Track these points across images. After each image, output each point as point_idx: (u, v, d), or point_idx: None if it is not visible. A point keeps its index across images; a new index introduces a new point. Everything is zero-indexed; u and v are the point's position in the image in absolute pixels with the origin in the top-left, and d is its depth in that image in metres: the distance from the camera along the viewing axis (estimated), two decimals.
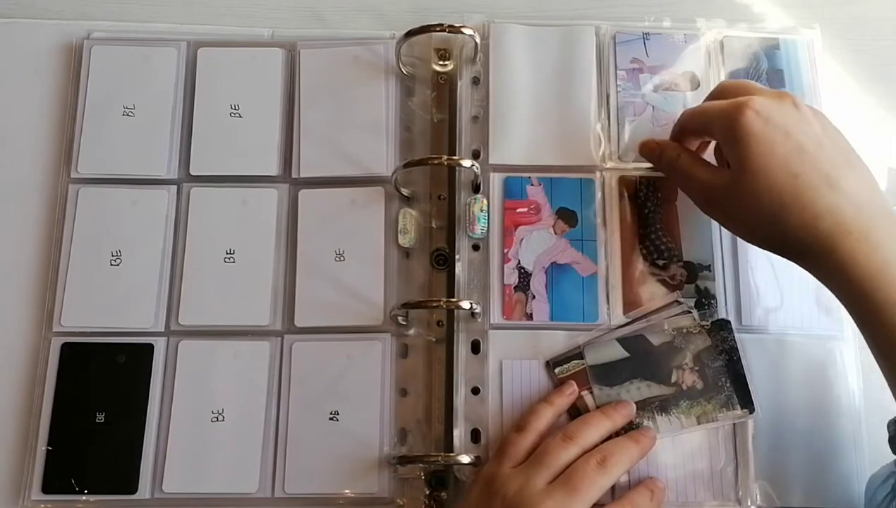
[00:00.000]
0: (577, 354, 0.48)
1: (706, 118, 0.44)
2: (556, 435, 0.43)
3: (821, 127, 0.41)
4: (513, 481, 0.41)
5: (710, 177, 0.44)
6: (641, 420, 0.46)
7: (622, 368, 0.47)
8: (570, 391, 0.46)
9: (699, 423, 0.46)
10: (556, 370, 0.47)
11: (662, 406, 0.46)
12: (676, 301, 0.49)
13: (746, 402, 0.46)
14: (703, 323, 0.48)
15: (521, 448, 0.43)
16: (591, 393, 0.47)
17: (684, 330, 0.47)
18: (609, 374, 0.47)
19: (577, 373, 0.47)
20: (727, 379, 0.47)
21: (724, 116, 0.41)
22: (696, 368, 0.47)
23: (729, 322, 0.48)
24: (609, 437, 0.44)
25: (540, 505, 0.40)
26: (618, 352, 0.47)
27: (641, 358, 0.47)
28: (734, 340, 0.47)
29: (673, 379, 0.47)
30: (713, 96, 0.46)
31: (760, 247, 0.43)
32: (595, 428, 0.44)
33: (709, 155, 0.48)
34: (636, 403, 0.46)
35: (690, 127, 0.46)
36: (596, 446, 0.43)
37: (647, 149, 0.49)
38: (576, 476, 0.41)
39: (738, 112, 0.40)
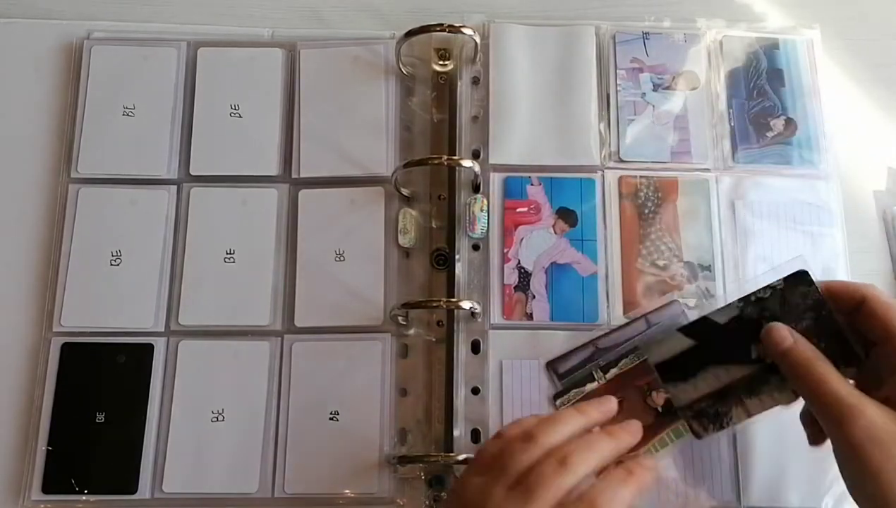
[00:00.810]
0: (576, 383, 0.47)
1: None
2: (518, 435, 0.38)
3: None
4: (473, 487, 0.37)
5: (873, 416, 0.36)
6: (728, 409, 0.41)
7: (691, 358, 0.42)
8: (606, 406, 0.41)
9: (797, 397, 0.40)
10: (557, 402, 0.47)
11: (748, 387, 0.41)
12: (676, 301, 0.49)
13: (850, 358, 0.39)
14: (774, 284, 0.41)
15: (488, 453, 0.39)
16: (666, 392, 0.44)
17: (752, 298, 0.41)
18: (679, 369, 0.42)
19: (581, 401, 0.46)
20: (821, 338, 0.39)
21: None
22: None
23: (807, 273, 0.40)
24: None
25: None
26: (682, 343, 0.43)
27: (710, 342, 0.41)
28: (818, 291, 0.40)
29: (754, 355, 0.41)
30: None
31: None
32: (563, 426, 0.39)
33: None
34: (718, 391, 0.41)
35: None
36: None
37: (775, 336, 0.40)
38: (532, 480, 0.36)
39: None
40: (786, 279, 0.40)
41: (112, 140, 0.51)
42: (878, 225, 0.52)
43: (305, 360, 0.48)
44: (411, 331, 0.49)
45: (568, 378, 0.47)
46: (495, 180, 0.51)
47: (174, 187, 0.51)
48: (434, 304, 0.48)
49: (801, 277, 0.40)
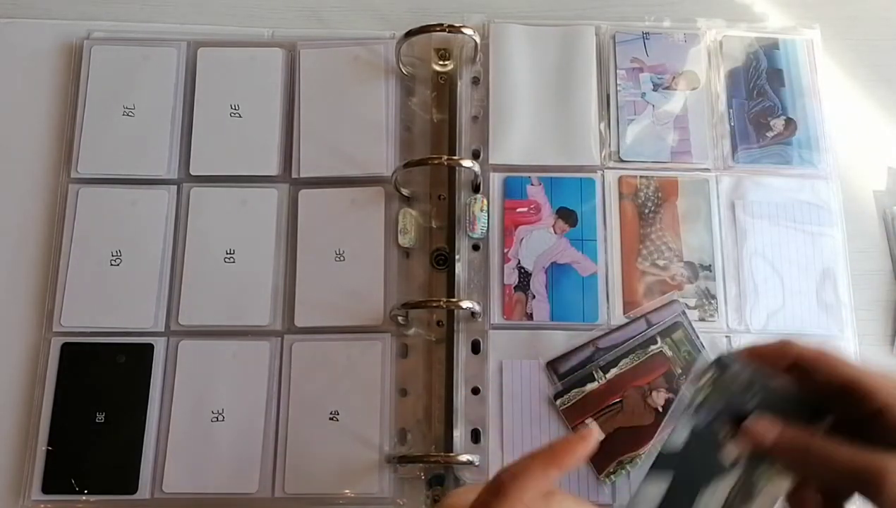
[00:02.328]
0: (576, 383, 0.47)
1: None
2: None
3: None
4: None
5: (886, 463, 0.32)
6: None
7: (675, 499, 0.36)
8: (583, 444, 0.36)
9: (792, 479, 0.36)
10: (557, 402, 0.47)
11: (744, 495, 0.36)
12: (676, 300, 0.49)
13: (818, 412, 0.36)
14: (700, 384, 0.36)
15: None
16: None
17: (692, 409, 0.36)
18: None
19: (580, 401, 0.47)
20: (777, 409, 0.36)
21: None
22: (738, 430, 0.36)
23: (719, 358, 0.36)
24: None
25: None
26: (657, 489, 0.36)
27: (681, 474, 0.36)
28: (745, 367, 0.36)
29: (727, 463, 0.36)
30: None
31: None
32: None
33: None
34: None
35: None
36: None
37: (755, 431, 0.35)
38: None
39: None
40: (709, 374, 0.36)
41: (112, 140, 0.51)
42: (878, 225, 0.52)
43: (305, 360, 0.48)
44: (411, 331, 0.49)
45: (568, 378, 0.47)
46: (495, 180, 0.51)
47: (174, 187, 0.51)
48: (434, 304, 0.48)
49: (721, 363, 0.36)
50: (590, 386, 0.47)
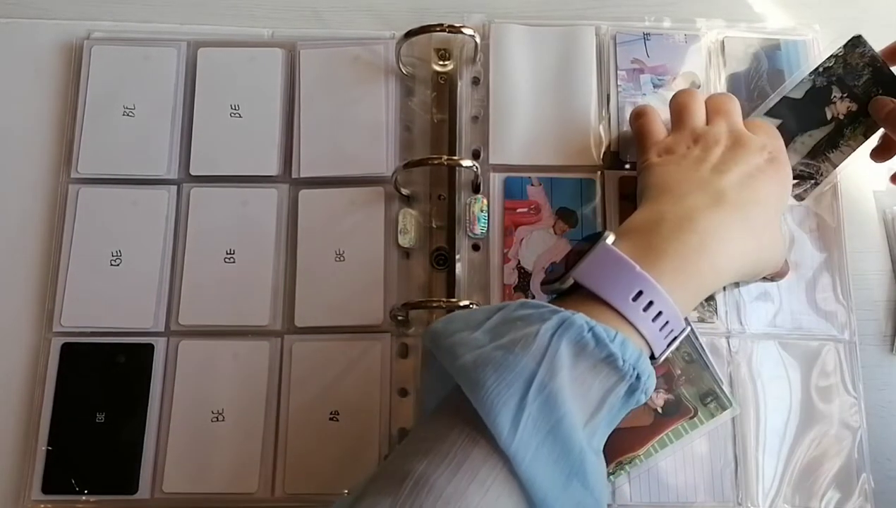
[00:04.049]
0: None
1: None
2: (676, 96, 0.47)
3: None
4: (680, 137, 0.44)
5: None
6: (818, 166, 0.49)
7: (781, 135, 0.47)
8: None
9: (866, 138, 0.48)
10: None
11: (830, 143, 0.49)
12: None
13: None
14: (835, 52, 0.49)
15: (659, 124, 0.46)
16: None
17: (820, 69, 0.49)
18: None
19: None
20: (879, 86, 0.48)
21: None
22: (845, 95, 0.48)
23: (859, 36, 0.48)
24: None
25: (721, 132, 0.43)
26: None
27: (792, 117, 0.49)
28: (871, 49, 0.48)
29: (829, 116, 0.49)
30: None
31: None
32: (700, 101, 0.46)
33: None
34: (807, 155, 0.49)
35: None
36: None
37: (880, 106, 0.48)
38: (720, 106, 0.45)
39: None
40: (844, 46, 0.48)
41: (112, 140, 0.51)
42: (878, 225, 0.52)
43: (305, 360, 0.48)
44: (411, 331, 0.49)
45: None
46: (495, 180, 0.51)
47: (174, 187, 0.51)
48: (434, 304, 0.48)
49: (856, 41, 0.48)
50: None
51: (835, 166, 0.49)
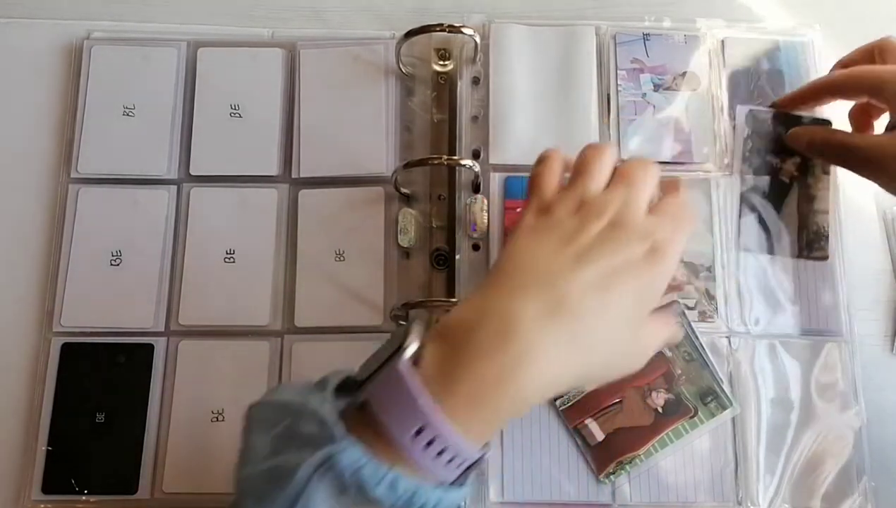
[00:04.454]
0: None
1: (881, 80, 0.45)
2: (585, 150, 0.40)
3: None
4: (568, 197, 0.37)
5: (880, 141, 0.45)
6: (815, 226, 0.50)
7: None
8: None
9: (827, 172, 0.51)
10: (557, 402, 0.47)
11: (806, 199, 0.50)
12: (676, 301, 0.49)
13: None
14: (744, 136, 0.51)
15: (555, 173, 0.40)
16: None
17: (746, 155, 0.51)
18: None
19: (580, 401, 0.47)
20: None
21: None
22: (783, 156, 0.51)
23: (749, 109, 0.51)
24: None
25: (610, 205, 0.36)
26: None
27: (765, 203, 0.50)
28: (763, 109, 0.51)
29: (788, 181, 0.50)
30: (870, 53, 0.47)
31: None
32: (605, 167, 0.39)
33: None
34: (799, 223, 0.50)
35: (851, 86, 0.47)
36: None
37: (794, 137, 0.50)
38: (628, 174, 0.38)
39: None
40: (747, 125, 0.51)
41: (112, 140, 0.51)
42: (878, 225, 0.52)
43: (305, 360, 0.48)
44: None
45: None
46: (495, 180, 0.51)
47: (174, 187, 0.51)
48: (434, 304, 0.48)
49: (752, 114, 0.51)
50: (589, 386, 0.47)
51: (827, 211, 0.50)
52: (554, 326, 0.33)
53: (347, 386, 0.35)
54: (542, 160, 0.40)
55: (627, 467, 0.46)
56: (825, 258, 0.49)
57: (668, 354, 0.48)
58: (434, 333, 0.34)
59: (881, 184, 0.45)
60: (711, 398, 0.47)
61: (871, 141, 0.46)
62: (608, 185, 0.38)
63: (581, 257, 0.35)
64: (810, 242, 0.49)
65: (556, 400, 0.47)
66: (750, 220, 0.50)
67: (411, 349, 0.33)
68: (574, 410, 0.47)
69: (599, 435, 0.46)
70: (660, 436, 0.46)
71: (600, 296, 0.34)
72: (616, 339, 0.35)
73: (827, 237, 0.49)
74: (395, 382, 0.32)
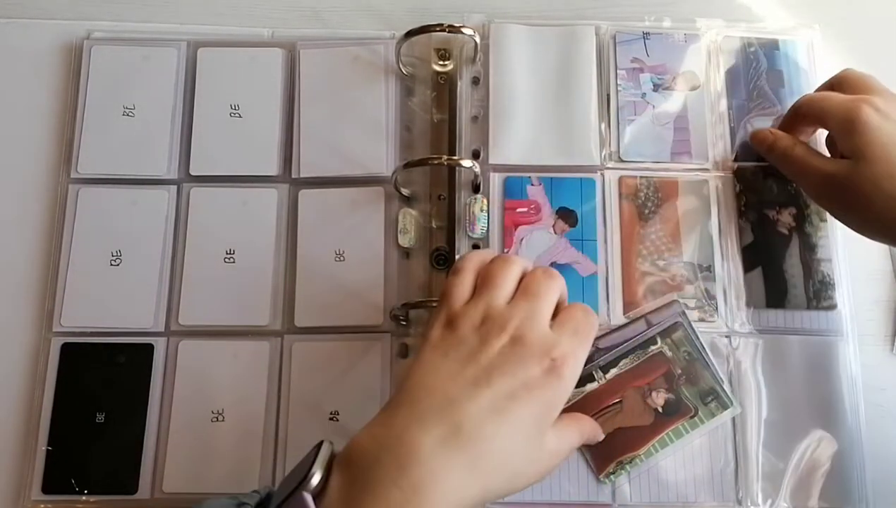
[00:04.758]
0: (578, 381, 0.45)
1: (823, 109, 0.46)
2: (493, 261, 0.40)
3: None
4: (473, 310, 0.38)
5: (828, 167, 0.45)
6: (821, 275, 0.49)
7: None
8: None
9: (824, 219, 0.50)
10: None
11: (808, 247, 0.49)
12: (676, 301, 0.49)
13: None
14: (737, 191, 0.50)
15: (467, 286, 0.40)
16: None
17: (742, 209, 0.50)
18: None
19: (581, 402, 0.47)
20: (784, 180, 0.50)
21: (842, 110, 0.44)
22: (778, 208, 0.50)
23: (736, 168, 0.50)
24: None
25: (512, 319, 0.37)
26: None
27: (770, 258, 0.49)
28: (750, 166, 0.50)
29: (786, 232, 0.49)
30: (832, 84, 0.48)
31: (877, 238, 0.44)
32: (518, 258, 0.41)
33: (814, 144, 0.50)
34: (805, 277, 0.49)
35: (805, 113, 0.48)
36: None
37: (759, 139, 0.50)
38: (531, 287, 0.39)
39: (857, 108, 0.43)
40: (735, 180, 0.51)
41: (112, 140, 0.51)
42: None
43: (305, 360, 0.48)
44: (411, 331, 0.49)
45: None
46: (495, 180, 0.51)
47: (174, 187, 0.51)
48: (434, 304, 0.48)
49: (739, 173, 0.51)
50: (589, 386, 0.47)
51: (830, 259, 0.49)
52: (452, 453, 0.34)
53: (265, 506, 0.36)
54: (455, 271, 0.41)
55: (628, 467, 0.46)
56: (833, 307, 0.48)
57: (669, 354, 0.48)
58: (339, 461, 0.35)
59: (824, 208, 0.47)
60: (712, 398, 0.47)
61: (824, 165, 0.45)
62: (513, 298, 0.39)
63: (479, 381, 0.36)
64: (818, 292, 0.49)
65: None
66: (754, 276, 0.49)
67: (315, 479, 0.34)
68: (574, 410, 0.47)
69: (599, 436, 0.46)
70: (660, 436, 0.46)
71: (498, 420, 0.35)
72: (517, 456, 0.36)
73: (833, 285, 0.49)
74: None
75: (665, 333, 0.48)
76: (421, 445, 0.34)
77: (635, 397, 0.47)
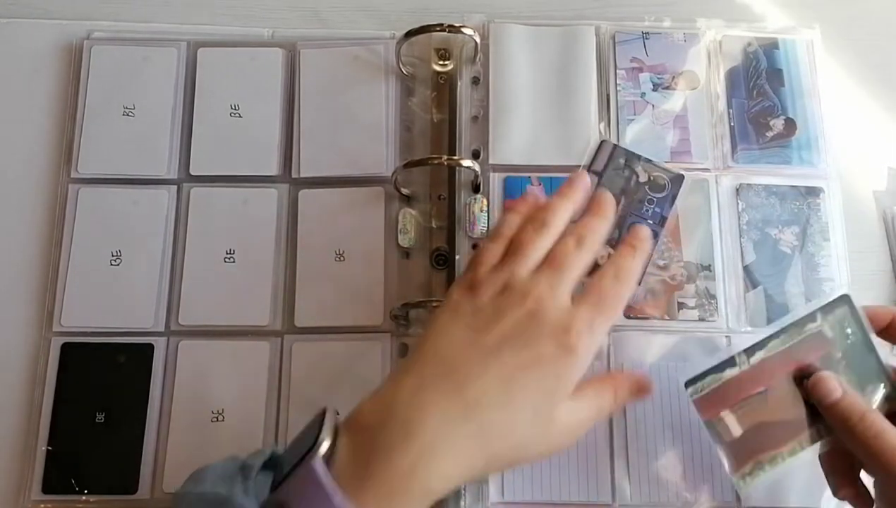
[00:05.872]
0: (714, 368, 0.42)
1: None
2: (525, 227, 0.40)
3: None
4: (496, 278, 0.38)
5: None
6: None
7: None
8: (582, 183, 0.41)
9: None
10: (689, 390, 0.41)
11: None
12: (676, 301, 0.49)
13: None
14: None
15: (497, 252, 0.39)
16: None
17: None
18: None
19: (717, 390, 0.41)
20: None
21: None
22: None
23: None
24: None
25: (533, 291, 0.37)
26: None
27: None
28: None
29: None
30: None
31: None
32: (562, 212, 0.40)
33: None
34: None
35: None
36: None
37: (825, 393, 0.40)
38: (558, 257, 0.38)
39: None
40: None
41: (112, 140, 0.51)
42: (878, 225, 0.52)
43: (305, 360, 0.48)
44: (411, 331, 0.49)
45: None
46: (495, 180, 0.51)
47: (174, 187, 0.51)
48: (434, 304, 0.47)
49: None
50: (729, 372, 0.41)
51: (833, 279, 0.48)
52: (459, 421, 0.34)
53: (273, 464, 0.36)
54: (491, 236, 0.40)
55: (767, 467, 0.40)
56: None
57: (830, 335, 0.41)
58: (346, 426, 0.35)
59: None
60: (872, 387, 0.41)
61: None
62: (538, 267, 0.38)
63: (490, 351, 0.36)
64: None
65: (687, 387, 0.42)
66: (756, 294, 0.49)
67: (324, 446, 0.34)
68: (710, 400, 0.41)
69: (737, 430, 0.41)
70: (808, 431, 0.40)
71: (506, 391, 0.35)
72: (525, 427, 0.36)
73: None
74: (311, 482, 0.33)
75: (826, 309, 0.42)
76: (428, 413, 0.34)
77: (784, 386, 0.41)
